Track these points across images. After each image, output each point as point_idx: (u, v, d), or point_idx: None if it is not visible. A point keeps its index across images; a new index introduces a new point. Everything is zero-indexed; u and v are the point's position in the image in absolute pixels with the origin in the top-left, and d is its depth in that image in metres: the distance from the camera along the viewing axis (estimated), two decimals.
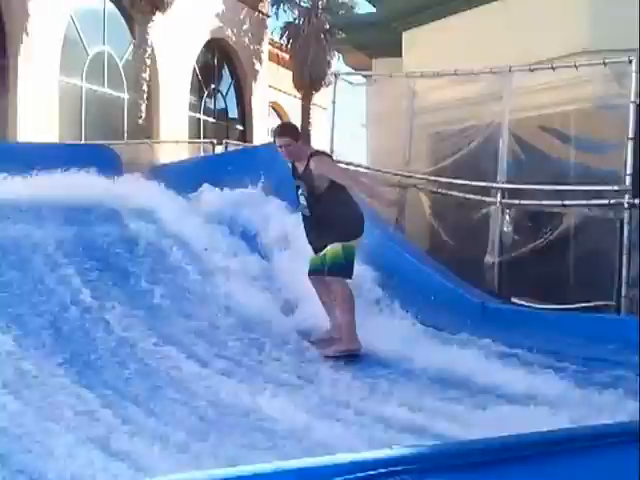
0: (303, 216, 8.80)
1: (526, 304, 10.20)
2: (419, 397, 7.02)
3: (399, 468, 3.15)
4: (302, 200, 8.66)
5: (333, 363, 8.04)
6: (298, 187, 8.69)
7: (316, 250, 8.70)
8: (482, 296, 10.36)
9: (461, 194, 12.37)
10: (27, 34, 21.55)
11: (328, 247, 8.46)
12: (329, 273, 8.46)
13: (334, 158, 13.41)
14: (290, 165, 8.87)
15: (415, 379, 7.60)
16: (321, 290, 8.74)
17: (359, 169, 14.24)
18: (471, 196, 12.22)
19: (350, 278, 8.49)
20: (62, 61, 22.81)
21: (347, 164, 13.65)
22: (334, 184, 8.50)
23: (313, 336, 8.77)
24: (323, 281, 8.62)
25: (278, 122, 35.99)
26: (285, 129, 9.26)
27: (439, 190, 12.95)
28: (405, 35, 15.85)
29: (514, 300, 10.43)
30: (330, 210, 8.49)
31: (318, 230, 8.62)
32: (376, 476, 3.11)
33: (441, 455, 3.43)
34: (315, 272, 8.74)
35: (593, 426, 3.81)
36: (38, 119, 21.22)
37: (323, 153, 9.04)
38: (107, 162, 13.65)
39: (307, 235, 8.83)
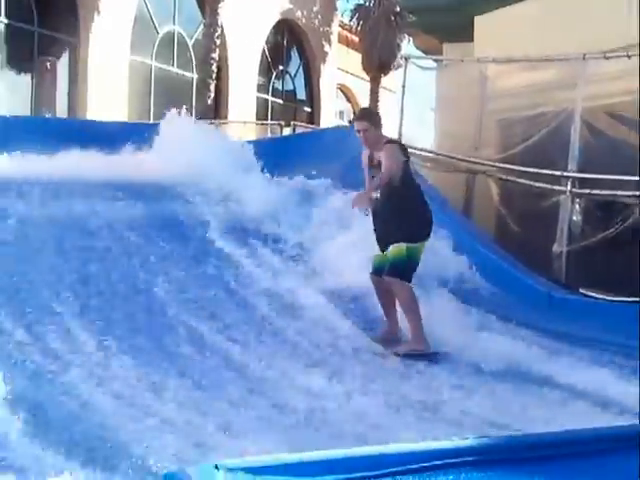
0: (373, 210, 8.43)
1: (594, 295, 10.08)
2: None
3: (454, 461, 3.14)
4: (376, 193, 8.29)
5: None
6: (373, 177, 8.30)
7: (382, 248, 8.30)
8: (549, 286, 10.28)
9: (530, 182, 12.23)
10: (98, 13, 21.71)
11: (391, 246, 8.11)
12: (389, 274, 8.08)
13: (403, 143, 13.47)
14: (366, 152, 8.47)
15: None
16: (380, 290, 8.35)
17: (428, 154, 14.21)
18: (540, 184, 12.08)
19: (410, 282, 8.11)
20: (132, 40, 22.99)
21: (415, 148, 13.62)
22: (408, 179, 8.25)
23: (373, 335, 8.34)
24: (383, 281, 8.23)
25: (346, 105, 36.03)
26: (365, 113, 8.92)
27: (508, 177, 12.83)
28: (477, 19, 15.67)
29: (582, 291, 10.31)
30: (400, 207, 8.14)
31: (385, 227, 8.24)
32: (431, 467, 3.09)
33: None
34: (377, 271, 8.34)
35: (595, 429, 3.73)
36: (108, 97, 21.39)
37: (395, 142, 8.70)
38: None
39: (375, 231, 8.45)
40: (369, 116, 8.55)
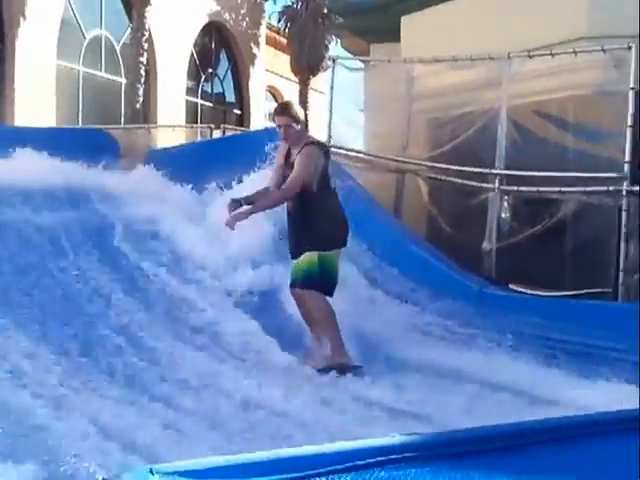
0: (287, 213, 7.95)
1: (523, 290, 10.21)
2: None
3: (398, 456, 3.15)
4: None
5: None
6: (285, 178, 7.81)
7: (294, 256, 7.82)
8: (480, 282, 10.39)
9: (459, 180, 12.33)
10: (24, 17, 21.46)
11: (302, 256, 7.66)
12: (300, 285, 7.66)
13: (331, 144, 13.53)
14: (283, 149, 8.02)
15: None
16: (299, 304, 7.91)
17: (357, 154, 14.26)
18: (469, 182, 12.18)
19: (327, 293, 7.67)
20: (59, 45, 22.75)
21: (344, 149, 13.68)
22: (325, 184, 7.81)
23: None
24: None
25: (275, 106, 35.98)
26: (286, 107, 8.07)
27: (437, 176, 12.92)
28: (404, 20, 15.76)
29: (511, 286, 10.43)
30: (313, 213, 7.67)
31: (298, 233, 7.78)
32: (373, 464, 3.10)
33: (439, 443, 3.42)
34: (293, 284, 7.81)
35: (594, 414, 3.79)
36: (35, 103, 21.15)
37: (315, 144, 8.01)
38: (104, 147, 13.62)
39: (288, 237, 8.01)
40: (290, 110, 7.91)
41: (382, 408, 6.43)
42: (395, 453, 3.14)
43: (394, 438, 3.31)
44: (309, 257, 7.61)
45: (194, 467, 2.87)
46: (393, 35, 15.87)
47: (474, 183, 12.10)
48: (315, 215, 7.68)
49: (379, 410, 6.39)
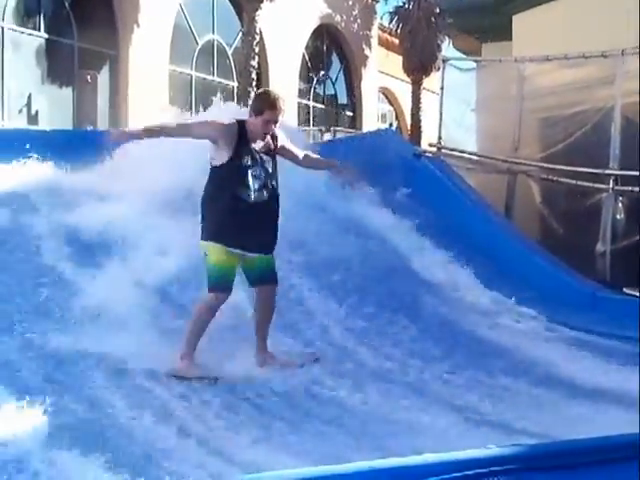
0: (249, 203, 6.83)
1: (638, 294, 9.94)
2: None
3: (497, 468, 3.09)
4: (252, 181, 6.84)
5: None
6: (250, 165, 6.82)
7: (266, 250, 7.09)
8: (593, 286, 10.17)
9: (572, 181, 12.09)
10: (138, 25, 21.82)
11: (267, 256, 7.09)
12: (276, 282, 7.24)
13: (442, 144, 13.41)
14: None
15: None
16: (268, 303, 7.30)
17: (468, 156, 14.15)
18: (582, 183, 11.94)
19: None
20: (172, 50, 23.08)
21: (454, 150, 13.57)
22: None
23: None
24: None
25: (389, 108, 35.95)
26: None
27: (549, 177, 12.70)
28: (515, 19, 15.57)
29: (626, 290, 10.16)
30: (278, 207, 7.09)
31: (270, 226, 7.04)
32: (473, 476, 3.04)
33: (544, 454, 3.34)
34: (266, 281, 7.21)
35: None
36: (149, 109, 21.46)
37: None
38: None
39: (255, 228, 6.90)
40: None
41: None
42: (506, 463, 3.09)
43: (503, 449, 3.25)
44: (271, 259, 7.18)
45: (284, 477, 2.86)
46: (504, 34, 15.69)
47: (588, 184, 11.86)
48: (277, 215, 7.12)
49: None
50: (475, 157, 14.19)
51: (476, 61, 15.96)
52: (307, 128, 25.56)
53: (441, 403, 6.56)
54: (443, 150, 13.97)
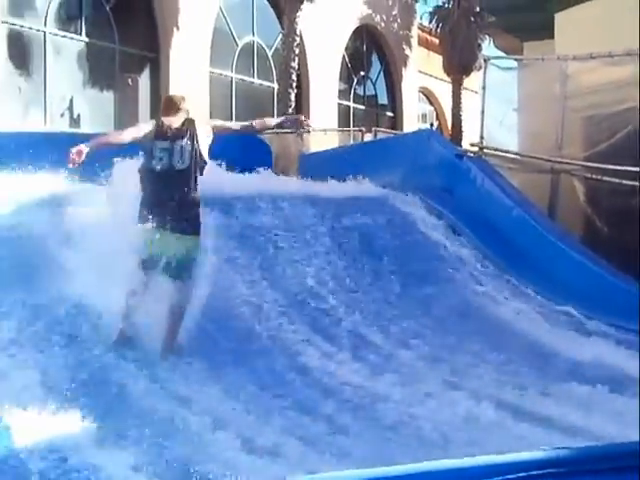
0: (156, 172, 7.47)
1: None
2: None
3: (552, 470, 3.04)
4: (162, 154, 7.51)
5: None
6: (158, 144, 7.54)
7: (175, 230, 7.38)
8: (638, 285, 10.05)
9: (616, 180, 11.95)
10: (178, 28, 21.88)
11: (189, 239, 7.49)
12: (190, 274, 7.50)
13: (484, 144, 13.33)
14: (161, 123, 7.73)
15: None
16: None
17: (510, 155, 14.05)
18: (628, 182, 11.79)
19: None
20: (212, 52, 23.13)
21: (497, 150, 13.47)
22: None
23: None
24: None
25: (429, 108, 35.82)
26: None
27: (593, 176, 12.56)
28: (558, 16, 15.41)
29: None
30: (196, 191, 7.59)
31: (183, 208, 7.44)
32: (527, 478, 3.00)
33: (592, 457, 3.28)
34: (153, 266, 7.46)
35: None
36: (189, 110, 21.49)
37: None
38: (258, 153, 13.75)
39: (159, 205, 7.41)
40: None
41: None
42: (548, 467, 3.04)
43: (547, 452, 3.20)
44: (196, 242, 7.59)
45: (344, 478, 2.90)
46: (547, 32, 15.53)
47: (632, 182, 11.71)
48: (195, 194, 7.60)
49: None
50: (517, 157, 14.07)
51: (518, 60, 15.82)
52: (347, 129, 25.52)
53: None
54: (485, 150, 13.87)
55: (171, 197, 7.38)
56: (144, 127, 7.77)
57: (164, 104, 8.20)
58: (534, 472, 3.02)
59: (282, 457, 5.49)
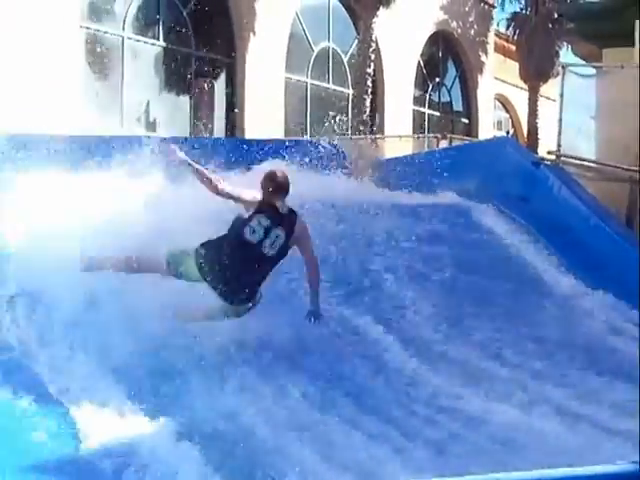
0: (243, 240, 7.37)
1: None
2: None
3: None
4: (259, 229, 7.42)
5: None
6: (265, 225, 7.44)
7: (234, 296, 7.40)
8: None
9: None
10: (254, 33, 21.97)
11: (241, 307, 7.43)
12: None
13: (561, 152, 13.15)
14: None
15: None
16: None
17: (589, 164, 13.85)
18: None
19: None
20: (288, 58, 23.19)
21: (575, 158, 13.28)
22: None
23: None
24: None
25: (504, 115, 35.55)
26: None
27: None
28: (638, 24, 15.18)
29: None
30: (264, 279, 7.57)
31: (247, 284, 7.41)
32: None
33: None
34: None
35: None
36: (264, 115, 21.61)
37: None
38: (332, 158, 13.68)
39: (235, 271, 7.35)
40: None
41: None
42: None
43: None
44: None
45: None
46: (626, 39, 15.30)
47: None
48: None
49: None
50: (595, 165, 13.87)
51: (597, 67, 15.60)
52: (422, 135, 25.40)
53: None
54: (562, 158, 13.68)
55: (243, 270, 7.30)
56: (249, 193, 7.56)
57: (276, 183, 7.61)
58: None
59: None
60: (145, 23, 20.31)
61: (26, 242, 7.91)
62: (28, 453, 5.32)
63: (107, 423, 5.62)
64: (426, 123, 29.54)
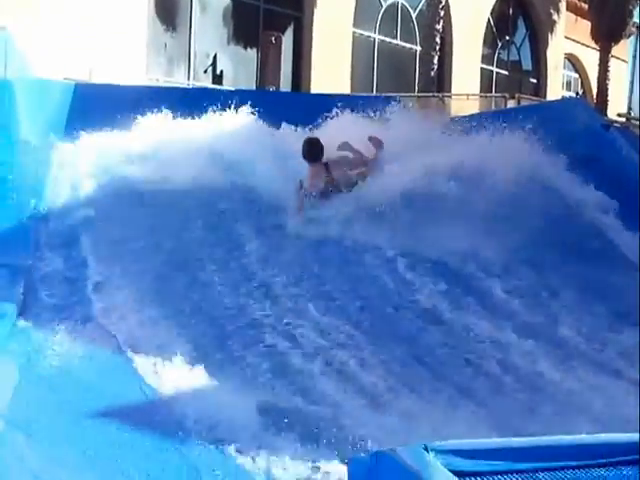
0: None
1: None
2: None
3: None
4: None
5: None
6: None
7: None
8: None
9: None
10: None
11: None
12: None
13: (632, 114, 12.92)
14: None
15: None
16: None
17: None
18: None
19: None
20: (356, 13, 23.06)
21: None
22: None
23: None
24: None
25: (574, 75, 35.06)
26: None
27: None
28: None
29: None
30: None
31: None
32: None
33: None
34: None
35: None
36: (332, 70, 21.54)
37: None
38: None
39: None
40: None
41: None
42: None
43: None
44: None
45: (468, 447, 2.87)
46: None
47: None
48: None
49: None
50: None
51: None
52: (490, 95, 25.12)
53: None
54: (632, 121, 13.49)
55: None
56: None
57: None
58: None
59: None
60: None
61: None
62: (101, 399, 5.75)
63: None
64: (494, 82, 29.23)
